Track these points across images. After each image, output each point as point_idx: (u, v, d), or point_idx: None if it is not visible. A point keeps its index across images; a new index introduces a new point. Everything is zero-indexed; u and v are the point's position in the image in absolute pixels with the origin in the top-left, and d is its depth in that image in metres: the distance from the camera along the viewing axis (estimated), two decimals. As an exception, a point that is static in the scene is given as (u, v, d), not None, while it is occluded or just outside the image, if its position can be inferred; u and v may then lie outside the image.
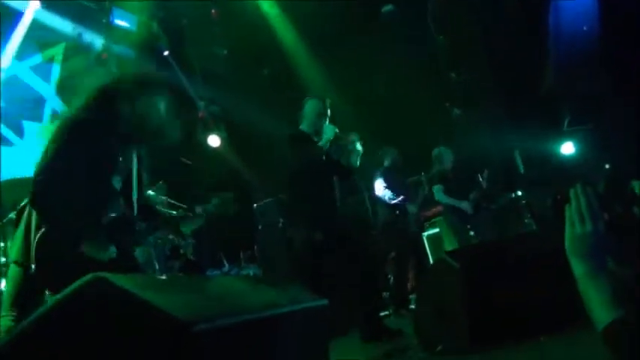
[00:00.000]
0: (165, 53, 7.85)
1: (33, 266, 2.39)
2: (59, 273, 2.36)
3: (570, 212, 1.29)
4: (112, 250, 2.51)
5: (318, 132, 4.29)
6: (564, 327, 2.59)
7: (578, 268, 1.28)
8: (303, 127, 4.40)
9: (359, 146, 4.35)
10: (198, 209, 2.98)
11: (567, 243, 1.30)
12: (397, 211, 5.78)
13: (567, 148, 8.42)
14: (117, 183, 2.70)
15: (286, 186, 4.48)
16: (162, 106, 2.75)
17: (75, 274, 2.37)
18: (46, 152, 2.54)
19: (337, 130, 4.26)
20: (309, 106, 4.41)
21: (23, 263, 2.57)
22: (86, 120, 2.58)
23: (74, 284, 1.33)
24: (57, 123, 2.62)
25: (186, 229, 2.97)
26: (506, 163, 7.73)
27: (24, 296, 2.50)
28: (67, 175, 2.45)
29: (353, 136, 4.36)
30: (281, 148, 4.32)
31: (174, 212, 5.98)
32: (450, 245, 6.01)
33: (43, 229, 2.40)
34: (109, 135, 2.63)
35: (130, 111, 2.66)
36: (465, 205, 5.82)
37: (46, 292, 2.60)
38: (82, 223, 2.48)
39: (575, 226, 1.28)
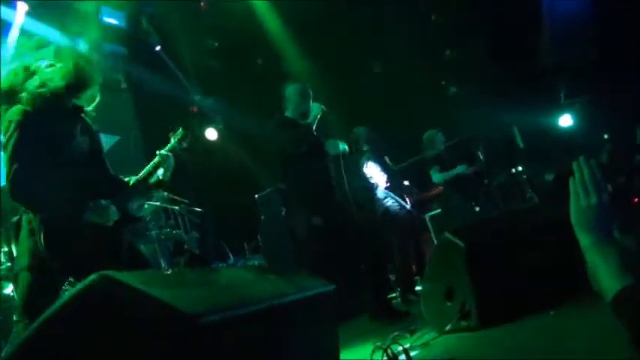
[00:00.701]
0: (157, 48, 7.81)
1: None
2: (76, 255, 2.46)
3: (574, 185, 1.29)
4: (113, 211, 2.62)
5: (305, 114, 4.28)
6: (574, 301, 2.59)
7: (584, 239, 1.28)
8: (289, 112, 4.37)
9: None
10: (163, 152, 3.01)
11: (573, 215, 1.31)
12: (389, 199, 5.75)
13: (565, 121, 8.41)
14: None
15: (282, 174, 4.46)
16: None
17: (90, 251, 2.46)
18: (6, 150, 2.59)
19: (323, 107, 4.25)
20: (291, 91, 4.38)
21: (31, 267, 2.58)
22: (28, 111, 2.64)
23: (79, 285, 1.32)
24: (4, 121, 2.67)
25: (164, 175, 3.00)
26: (505, 138, 7.71)
27: (38, 300, 2.53)
28: (32, 162, 2.53)
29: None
30: (271, 137, 4.30)
31: (176, 207, 6.03)
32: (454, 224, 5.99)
33: (42, 224, 2.44)
34: (55, 114, 2.70)
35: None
36: (461, 169, 5.77)
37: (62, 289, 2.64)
38: (67, 194, 2.54)
39: (580, 198, 1.28)
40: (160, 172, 2.98)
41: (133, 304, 1.25)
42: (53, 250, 2.43)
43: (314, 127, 4.22)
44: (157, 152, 3.02)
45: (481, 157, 5.74)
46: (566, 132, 8.23)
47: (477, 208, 5.79)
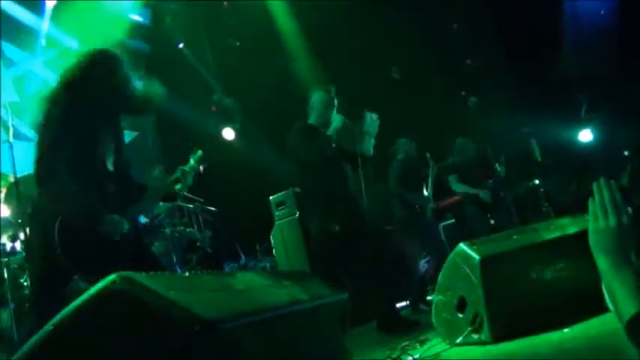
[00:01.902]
0: (181, 46, 7.87)
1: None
2: (85, 255, 2.52)
3: (593, 206, 1.28)
4: (125, 226, 2.70)
5: (327, 124, 4.28)
6: (588, 319, 2.56)
7: (602, 262, 1.27)
8: (312, 119, 4.38)
9: (371, 127, 4.29)
10: (185, 168, 3.14)
11: (591, 237, 1.29)
12: (417, 207, 5.75)
13: (585, 136, 8.32)
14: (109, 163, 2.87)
15: (299, 179, 4.47)
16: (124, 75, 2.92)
17: (99, 253, 2.52)
18: (41, 139, 2.68)
19: (345, 119, 4.25)
20: (316, 98, 4.39)
21: (45, 256, 2.63)
22: (71, 101, 2.73)
23: (98, 284, 1.34)
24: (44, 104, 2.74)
25: (179, 189, 3.13)
26: (524, 151, 7.65)
27: (48, 291, 2.58)
28: (64, 159, 2.59)
29: (368, 115, 4.32)
30: (291, 141, 4.31)
31: (191, 205, 6.07)
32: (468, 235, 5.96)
33: (59, 218, 2.48)
34: (92, 113, 2.77)
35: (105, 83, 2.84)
36: (483, 194, 5.77)
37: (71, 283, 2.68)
38: (90, 201, 2.61)
39: (599, 220, 1.27)
40: (178, 186, 3.13)
41: (152, 307, 1.26)
42: (64, 247, 2.47)
43: (333, 139, 4.21)
44: (179, 168, 3.14)
45: (499, 168, 5.71)
46: (586, 147, 8.14)
47: (492, 221, 5.76)
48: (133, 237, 2.82)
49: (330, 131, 4.20)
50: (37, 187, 2.71)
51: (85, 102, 2.75)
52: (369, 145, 4.32)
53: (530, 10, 7.92)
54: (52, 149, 2.62)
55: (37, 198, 2.76)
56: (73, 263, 2.50)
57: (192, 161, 3.21)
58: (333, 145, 4.24)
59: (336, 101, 4.38)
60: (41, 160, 2.64)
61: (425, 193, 5.90)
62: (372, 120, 4.28)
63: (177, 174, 3.13)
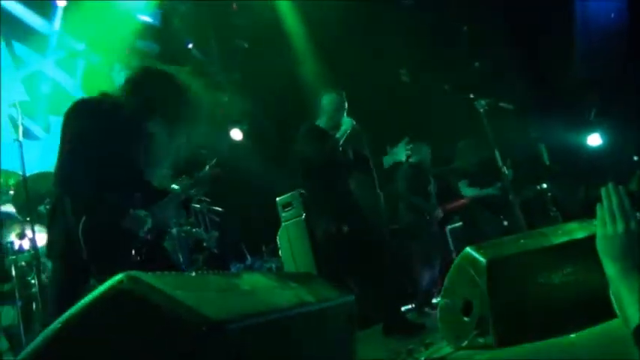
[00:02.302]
0: (190, 46, 7.90)
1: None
2: (112, 255, 2.53)
3: (602, 212, 1.27)
4: (149, 222, 2.70)
5: (337, 126, 4.29)
6: (595, 325, 2.54)
7: (609, 268, 1.26)
8: (321, 121, 4.39)
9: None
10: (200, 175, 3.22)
11: (599, 243, 1.29)
12: (426, 213, 5.75)
13: (594, 140, 8.27)
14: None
15: (305, 180, 4.48)
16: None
17: (125, 253, 2.53)
18: (67, 136, 2.66)
19: (354, 123, 4.25)
20: (327, 101, 4.40)
21: (63, 255, 2.65)
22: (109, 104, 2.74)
23: (105, 283, 1.34)
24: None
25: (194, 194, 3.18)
26: (532, 154, 7.61)
27: (68, 290, 2.60)
28: (89, 157, 2.59)
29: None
30: (299, 143, 4.32)
31: (198, 206, 6.09)
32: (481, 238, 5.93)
33: (84, 217, 2.48)
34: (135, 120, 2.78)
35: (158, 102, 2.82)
36: (492, 190, 5.75)
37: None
38: (114, 198, 2.61)
39: (607, 226, 1.26)
40: (193, 190, 3.21)
41: (159, 307, 1.27)
42: (90, 247, 2.48)
43: (341, 142, 4.22)
44: (195, 174, 3.20)
45: (506, 172, 5.68)
46: (595, 151, 8.09)
47: (506, 223, 5.76)
48: (156, 239, 2.83)
49: (340, 134, 4.20)
50: (58, 187, 2.70)
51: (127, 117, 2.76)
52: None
53: (540, 12, 7.89)
54: (74, 148, 2.61)
55: (58, 197, 2.77)
56: (96, 263, 2.50)
57: (207, 168, 3.27)
58: (341, 149, 4.24)
59: (346, 105, 4.39)
60: (64, 159, 2.63)
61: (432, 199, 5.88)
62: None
63: (192, 181, 3.18)
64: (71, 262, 2.58)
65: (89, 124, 2.65)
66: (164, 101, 2.85)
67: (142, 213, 2.71)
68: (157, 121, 2.87)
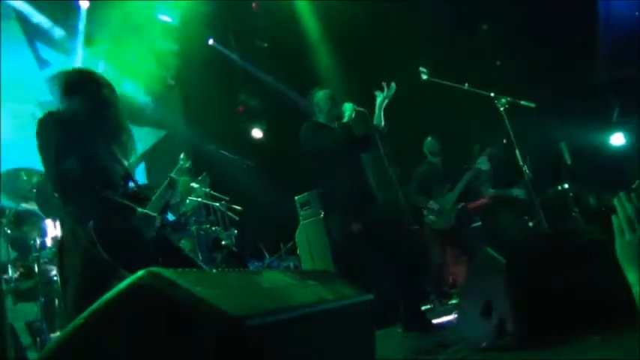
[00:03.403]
0: (210, 42, 7.94)
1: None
2: (128, 251, 2.58)
3: (617, 220, 1.27)
4: (158, 221, 2.78)
5: (339, 117, 4.26)
6: (620, 328, 2.50)
7: (631, 274, 1.25)
8: (320, 118, 4.36)
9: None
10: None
11: (618, 250, 1.28)
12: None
13: (617, 139, 8.12)
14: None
15: (318, 178, 4.46)
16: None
17: (138, 248, 2.57)
18: (47, 148, 2.73)
19: (356, 106, 4.23)
20: (321, 96, 4.38)
21: (83, 272, 2.70)
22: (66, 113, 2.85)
23: (127, 279, 1.36)
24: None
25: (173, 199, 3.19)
26: (553, 154, 7.51)
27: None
28: (79, 167, 2.66)
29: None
30: (303, 141, 4.30)
31: (217, 204, 6.12)
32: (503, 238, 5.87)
33: (91, 223, 2.52)
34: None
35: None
36: (516, 192, 5.68)
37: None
38: (119, 200, 2.69)
39: (625, 232, 1.25)
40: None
41: (179, 303, 1.28)
42: (104, 246, 2.52)
43: (350, 124, 4.19)
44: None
45: (527, 171, 5.61)
46: (618, 151, 7.95)
47: (531, 224, 5.71)
48: (163, 234, 2.88)
49: (346, 119, 4.18)
50: (59, 196, 2.76)
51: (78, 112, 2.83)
52: (381, 119, 4.31)
53: (563, 10, 7.78)
54: (62, 157, 2.67)
55: (62, 215, 2.83)
56: (116, 261, 2.54)
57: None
58: (352, 134, 4.20)
59: (336, 99, 4.37)
60: (55, 178, 2.68)
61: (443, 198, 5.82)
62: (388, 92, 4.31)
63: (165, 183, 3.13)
64: (90, 260, 2.62)
65: (63, 135, 2.72)
66: (93, 89, 2.92)
67: (150, 212, 2.74)
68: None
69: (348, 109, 4.21)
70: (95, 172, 2.69)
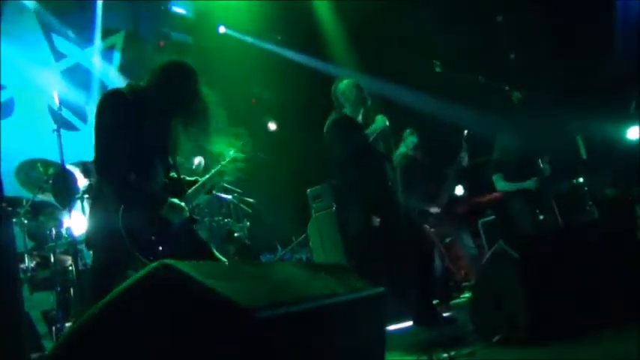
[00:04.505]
0: (222, 30, 7.92)
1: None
2: (149, 239, 2.62)
3: None
4: (186, 211, 2.83)
5: (365, 102, 4.26)
6: (632, 321, 2.48)
7: None
8: (347, 109, 4.34)
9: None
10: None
11: None
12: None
13: (634, 133, 8.00)
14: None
15: (336, 172, 4.46)
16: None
17: (162, 237, 2.61)
18: (102, 126, 2.75)
19: (387, 123, 4.21)
20: (346, 86, 4.34)
21: (104, 245, 2.74)
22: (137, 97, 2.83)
23: (141, 271, 1.38)
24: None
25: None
26: (568, 147, 7.43)
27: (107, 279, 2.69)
28: (124, 148, 2.68)
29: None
30: (328, 134, 4.29)
31: (230, 196, 6.15)
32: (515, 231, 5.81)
33: (122, 206, 2.56)
34: (158, 112, 2.87)
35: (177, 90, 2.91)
36: (529, 184, 5.59)
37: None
38: (151, 187, 2.73)
39: None
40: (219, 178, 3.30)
41: (192, 295, 1.29)
42: (129, 233, 2.56)
43: (371, 138, 4.19)
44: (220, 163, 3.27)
45: (541, 165, 5.55)
46: (634, 145, 7.84)
47: (542, 217, 5.62)
48: (189, 226, 2.91)
49: (370, 130, 4.17)
50: (97, 175, 2.81)
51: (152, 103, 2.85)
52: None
53: (578, 2, 7.67)
54: (110, 138, 2.69)
55: (97, 186, 2.86)
56: (139, 248, 2.57)
57: (232, 153, 3.32)
58: (371, 142, 4.21)
59: (366, 93, 4.34)
60: (101, 149, 2.71)
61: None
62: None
63: (218, 168, 3.24)
64: (111, 250, 2.66)
65: (118, 115, 2.73)
66: (186, 98, 2.93)
67: (178, 202, 2.78)
68: (179, 114, 2.94)
69: (379, 122, 4.20)
70: (134, 159, 2.71)
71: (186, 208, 2.85)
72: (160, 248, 2.61)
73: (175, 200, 2.80)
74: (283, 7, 8.20)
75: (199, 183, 3.15)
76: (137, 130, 2.75)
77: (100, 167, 2.71)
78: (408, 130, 5.93)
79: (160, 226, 2.68)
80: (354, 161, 4.18)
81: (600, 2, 7.91)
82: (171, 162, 3.03)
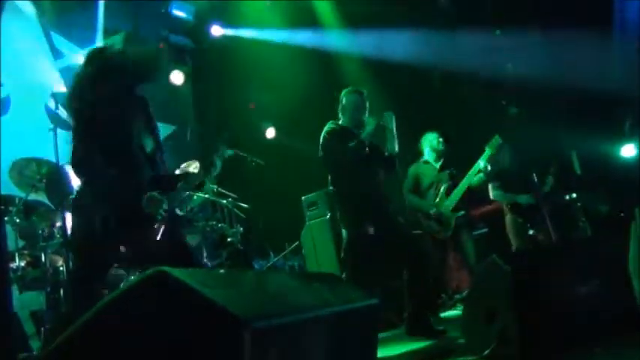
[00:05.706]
0: (215, 29, 7.91)
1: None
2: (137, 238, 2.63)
3: (636, 231, 1.27)
4: (165, 204, 2.80)
5: (359, 125, 4.28)
6: (622, 341, 2.49)
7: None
8: (344, 121, 4.38)
9: (392, 124, 4.28)
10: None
11: (631, 263, 1.28)
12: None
13: (628, 151, 8.05)
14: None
15: (331, 180, 4.48)
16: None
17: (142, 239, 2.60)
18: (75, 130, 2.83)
19: (378, 122, 4.23)
20: (348, 100, 4.38)
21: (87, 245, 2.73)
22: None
23: (136, 278, 1.37)
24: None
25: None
26: (563, 163, 7.46)
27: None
28: (97, 146, 2.72)
29: (386, 116, 4.30)
30: (324, 143, 4.31)
31: (224, 201, 6.14)
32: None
33: (102, 203, 2.57)
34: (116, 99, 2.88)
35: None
36: (523, 199, 5.60)
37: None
38: (129, 183, 2.72)
39: None
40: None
41: (187, 303, 1.29)
42: (109, 234, 2.55)
43: (367, 143, 4.20)
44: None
45: (535, 179, 5.57)
46: (629, 163, 7.88)
47: (531, 232, 5.62)
48: (171, 226, 2.90)
49: (364, 135, 4.19)
50: (76, 176, 2.82)
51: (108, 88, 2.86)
52: (394, 143, 4.31)
53: (578, 14, 7.71)
54: (83, 138, 2.71)
55: (79, 187, 2.86)
56: (119, 249, 2.57)
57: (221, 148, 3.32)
58: (367, 150, 4.23)
59: (367, 104, 4.37)
60: (75, 150, 2.74)
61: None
62: (390, 118, 4.29)
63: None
64: (91, 252, 2.65)
65: (91, 112, 2.78)
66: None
67: (157, 195, 2.77)
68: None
69: (370, 124, 4.22)
70: (115, 153, 2.73)
71: (165, 201, 2.81)
72: (123, 249, 2.61)
73: (153, 193, 2.78)
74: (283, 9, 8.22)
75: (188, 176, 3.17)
76: (109, 125, 2.78)
77: (76, 167, 2.75)
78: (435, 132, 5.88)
79: (142, 220, 2.67)
80: (347, 171, 4.20)
81: (597, 18, 7.97)
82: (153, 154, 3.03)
